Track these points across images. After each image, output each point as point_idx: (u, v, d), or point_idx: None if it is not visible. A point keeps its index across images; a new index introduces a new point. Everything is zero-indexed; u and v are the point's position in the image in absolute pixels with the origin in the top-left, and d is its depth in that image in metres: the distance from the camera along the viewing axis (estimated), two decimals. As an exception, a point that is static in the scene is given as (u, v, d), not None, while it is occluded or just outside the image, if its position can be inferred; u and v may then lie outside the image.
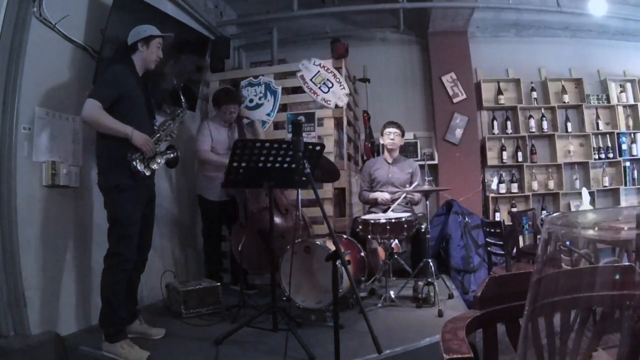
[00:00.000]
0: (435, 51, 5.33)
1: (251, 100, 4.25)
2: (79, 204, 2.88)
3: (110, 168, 2.47)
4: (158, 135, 2.65)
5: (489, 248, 3.47)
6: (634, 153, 5.29)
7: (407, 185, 3.86)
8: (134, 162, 2.46)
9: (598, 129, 5.33)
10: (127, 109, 2.46)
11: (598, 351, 0.80)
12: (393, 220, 3.14)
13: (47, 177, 2.63)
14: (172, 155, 2.67)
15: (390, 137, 3.95)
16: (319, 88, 4.09)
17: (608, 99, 5.37)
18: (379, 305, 3.09)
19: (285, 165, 2.67)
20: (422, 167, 3.99)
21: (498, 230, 3.25)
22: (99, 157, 2.55)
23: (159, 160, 2.60)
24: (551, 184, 5.29)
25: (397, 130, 3.95)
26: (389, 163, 4.02)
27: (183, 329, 2.83)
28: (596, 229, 0.71)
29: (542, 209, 5.28)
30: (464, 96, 5.23)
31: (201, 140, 3.65)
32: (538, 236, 3.81)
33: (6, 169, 2.42)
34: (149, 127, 2.61)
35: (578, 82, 5.39)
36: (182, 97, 2.80)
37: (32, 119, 2.56)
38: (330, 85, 4.09)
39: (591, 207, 4.45)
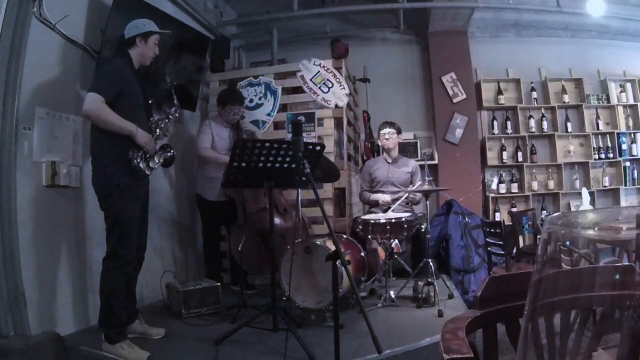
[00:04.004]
0: (435, 51, 5.33)
1: (251, 100, 4.25)
2: (79, 204, 2.88)
3: (109, 167, 2.41)
4: (157, 133, 2.63)
5: (489, 248, 3.47)
6: (634, 153, 5.29)
7: (410, 185, 3.86)
8: (136, 161, 2.42)
9: (598, 129, 5.33)
10: (127, 105, 2.41)
11: (598, 351, 0.80)
12: (393, 220, 3.14)
13: (47, 177, 2.62)
14: (169, 154, 2.65)
15: (385, 137, 3.98)
16: (319, 88, 4.09)
17: (608, 99, 5.37)
18: (379, 305, 3.09)
19: (285, 165, 2.66)
20: (422, 167, 4.00)
21: (498, 230, 3.26)
22: (96, 155, 2.46)
23: (158, 160, 2.58)
24: (551, 184, 5.29)
25: (392, 130, 3.96)
26: (388, 163, 4.03)
27: (183, 329, 2.83)
28: (596, 229, 0.71)
29: (542, 209, 5.28)
30: (464, 96, 5.23)
31: (201, 138, 3.65)
32: (538, 236, 3.81)
33: (6, 169, 2.41)
34: (146, 124, 2.58)
35: (578, 82, 5.39)
36: (174, 96, 2.75)
37: (32, 119, 2.56)
38: (330, 85, 4.08)
39: (591, 207, 4.45)
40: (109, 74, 2.43)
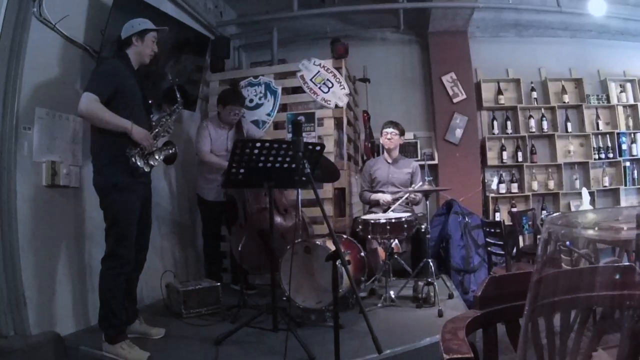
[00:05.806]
0: (435, 51, 5.33)
1: (251, 101, 4.25)
2: (79, 204, 2.88)
3: (107, 166, 2.41)
4: (157, 130, 2.61)
5: (489, 248, 3.47)
6: (634, 153, 5.29)
7: (410, 186, 3.86)
8: (133, 158, 2.42)
9: (598, 129, 5.33)
10: (124, 103, 2.41)
11: (598, 351, 0.80)
12: (393, 220, 3.14)
13: (47, 177, 2.62)
14: (170, 151, 2.64)
15: (387, 137, 3.96)
16: (319, 88, 4.08)
17: (608, 99, 5.37)
18: (379, 305, 3.09)
19: (285, 165, 2.66)
20: (422, 167, 3.99)
21: (498, 230, 3.26)
22: (95, 154, 2.47)
23: (158, 157, 2.56)
24: (551, 184, 5.29)
25: (395, 130, 3.96)
26: (389, 163, 4.03)
27: (183, 329, 2.83)
28: (596, 229, 0.71)
29: (542, 209, 5.27)
30: (464, 96, 5.23)
31: (201, 142, 3.65)
32: (538, 236, 3.81)
33: (6, 169, 2.41)
34: (146, 122, 2.57)
35: (578, 82, 5.39)
36: (177, 93, 2.74)
37: (32, 119, 2.56)
38: (330, 85, 4.08)
39: (591, 207, 4.45)
40: (104, 73, 2.43)
